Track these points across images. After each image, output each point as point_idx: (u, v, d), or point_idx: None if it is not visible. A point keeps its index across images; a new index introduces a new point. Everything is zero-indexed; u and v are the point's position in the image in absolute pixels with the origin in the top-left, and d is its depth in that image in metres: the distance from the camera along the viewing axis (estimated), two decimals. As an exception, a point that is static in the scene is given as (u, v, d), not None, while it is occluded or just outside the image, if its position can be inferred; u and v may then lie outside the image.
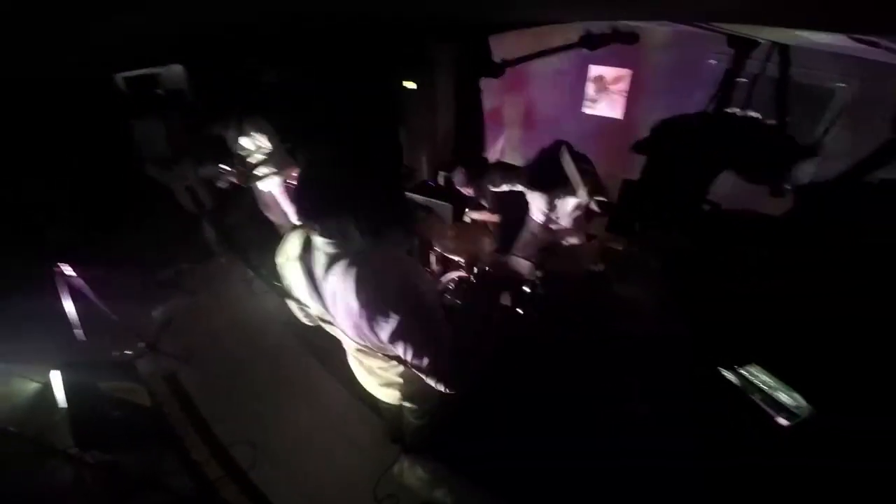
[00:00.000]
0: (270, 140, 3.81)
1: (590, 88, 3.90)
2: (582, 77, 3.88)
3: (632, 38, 3.45)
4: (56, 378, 2.37)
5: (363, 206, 1.14)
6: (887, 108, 2.59)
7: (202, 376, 3.17)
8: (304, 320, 1.60)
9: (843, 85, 2.71)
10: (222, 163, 3.88)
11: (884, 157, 2.69)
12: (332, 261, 1.20)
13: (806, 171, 3.09)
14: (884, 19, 1.47)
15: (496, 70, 4.31)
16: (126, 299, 3.36)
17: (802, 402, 2.14)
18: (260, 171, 3.89)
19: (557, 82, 4.08)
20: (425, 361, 1.22)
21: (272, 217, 4.37)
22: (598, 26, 3.48)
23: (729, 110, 3.30)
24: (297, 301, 1.41)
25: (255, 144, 3.79)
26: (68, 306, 2.94)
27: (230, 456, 2.61)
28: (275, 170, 3.95)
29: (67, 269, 2.94)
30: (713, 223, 3.63)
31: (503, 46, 4.25)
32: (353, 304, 1.16)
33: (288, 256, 1.35)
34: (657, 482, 2.23)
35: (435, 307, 1.25)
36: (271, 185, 4.06)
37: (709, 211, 3.65)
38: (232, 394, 3.06)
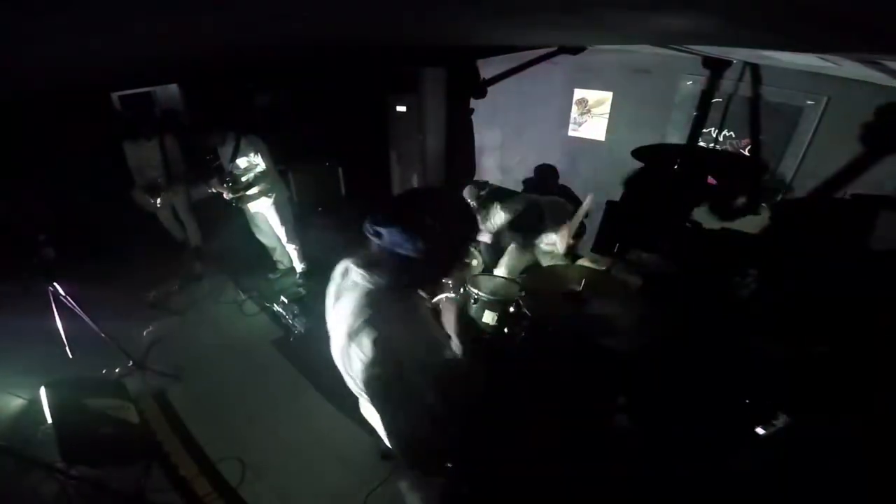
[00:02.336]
0: (265, 160, 3.87)
1: (574, 111, 4.03)
2: (568, 100, 4.01)
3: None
4: (44, 394, 2.37)
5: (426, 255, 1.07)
6: (853, 123, 2.71)
7: (191, 394, 3.16)
8: None
9: (812, 102, 2.84)
10: (216, 182, 3.91)
11: (853, 171, 2.80)
12: (361, 293, 1.17)
13: (779, 189, 3.19)
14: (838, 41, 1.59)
15: (483, 90, 4.46)
16: (115, 319, 3.37)
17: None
18: (252, 191, 3.94)
19: (545, 106, 4.22)
20: (387, 420, 1.18)
21: (264, 239, 4.40)
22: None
23: (705, 130, 3.43)
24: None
25: (249, 163, 3.84)
26: (58, 324, 2.96)
27: (219, 472, 2.59)
28: (267, 190, 3.99)
29: (59, 289, 2.97)
30: (692, 242, 3.73)
31: (490, 68, 4.42)
32: (352, 336, 1.14)
33: (333, 278, 1.33)
34: (640, 492, 2.25)
35: (425, 378, 1.14)
36: (263, 207, 4.10)
37: (688, 230, 3.75)
38: (221, 411, 3.05)
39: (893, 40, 1.24)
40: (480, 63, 4.41)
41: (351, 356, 1.15)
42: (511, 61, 4.20)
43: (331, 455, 2.74)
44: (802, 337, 2.46)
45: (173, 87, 5.59)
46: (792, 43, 1.88)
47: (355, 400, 2.94)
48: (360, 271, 1.17)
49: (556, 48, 3.87)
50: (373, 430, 1.65)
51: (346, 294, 1.21)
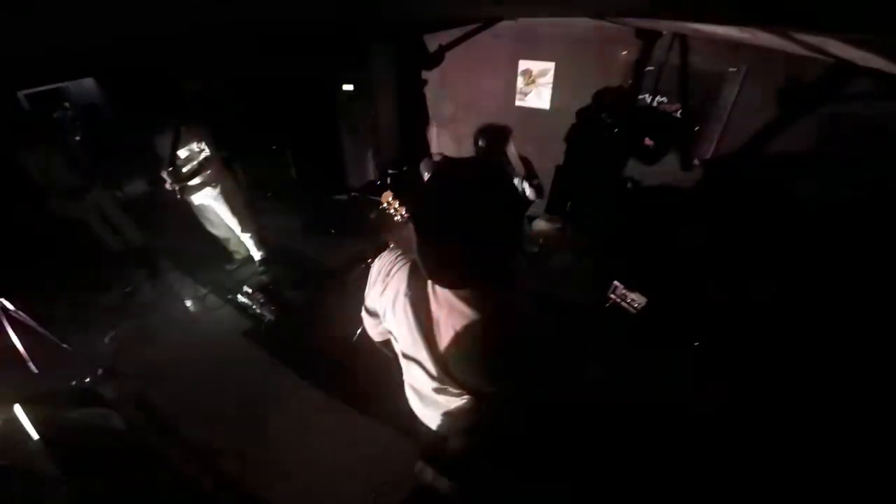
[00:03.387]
0: (209, 147, 3.72)
1: (520, 82, 4.18)
2: (513, 71, 4.15)
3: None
4: (20, 412, 2.29)
5: (502, 252, 0.99)
6: (770, 87, 3.06)
7: (171, 395, 3.11)
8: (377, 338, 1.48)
9: (734, 69, 3.16)
10: (153, 176, 3.72)
11: (771, 129, 3.17)
12: (453, 299, 1.07)
13: (708, 147, 3.54)
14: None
15: (432, 62, 4.48)
16: (72, 328, 3.23)
17: None
18: (196, 180, 3.79)
19: (493, 77, 4.34)
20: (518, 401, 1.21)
21: (216, 232, 4.26)
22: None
23: (640, 97, 3.71)
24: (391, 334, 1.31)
25: (191, 152, 3.67)
26: (14, 340, 2.81)
27: (221, 468, 2.62)
28: (212, 180, 3.85)
29: (7, 304, 2.81)
30: (635, 199, 4.06)
31: (438, 42, 4.45)
32: (471, 343, 1.08)
33: (395, 290, 1.22)
34: (612, 441, 2.50)
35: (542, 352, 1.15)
36: (208, 198, 3.95)
37: (630, 188, 4.08)
38: (205, 409, 3.03)
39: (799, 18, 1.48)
40: (428, 37, 4.43)
41: (470, 363, 1.13)
42: (458, 34, 4.26)
43: (325, 437, 2.83)
44: (740, 280, 2.81)
45: (88, 81, 5.17)
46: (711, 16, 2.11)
47: (341, 382, 3.03)
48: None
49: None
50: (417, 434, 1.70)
51: (446, 310, 1.10)
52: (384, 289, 1.26)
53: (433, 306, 1.12)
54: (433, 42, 4.43)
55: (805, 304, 2.67)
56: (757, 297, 2.73)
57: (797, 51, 2.52)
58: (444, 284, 1.04)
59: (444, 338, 1.12)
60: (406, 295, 1.17)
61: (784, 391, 2.45)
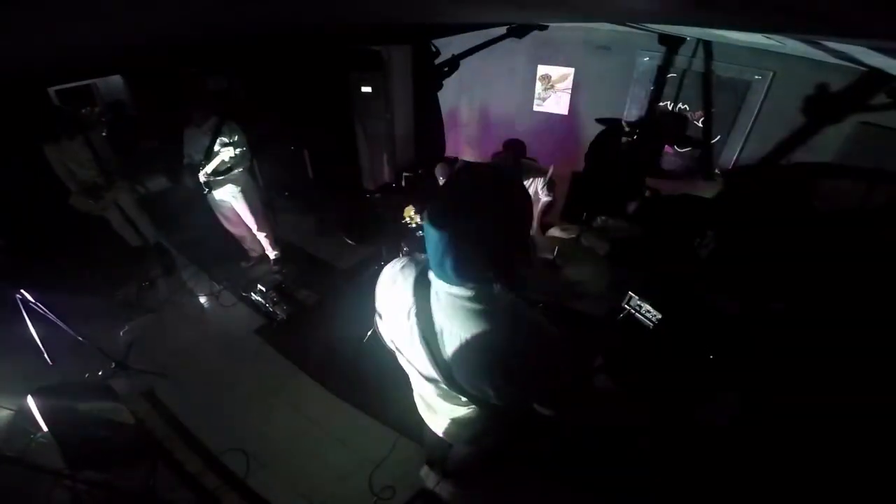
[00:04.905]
0: (242, 141, 3.75)
1: (538, 87, 4.14)
2: (531, 76, 4.11)
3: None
4: (32, 403, 2.33)
5: (509, 253, 1.00)
6: (797, 96, 2.97)
7: (181, 390, 3.14)
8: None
9: (759, 77, 3.07)
10: (181, 169, 3.76)
11: (796, 139, 3.08)
12: (458, 306, 1.05)
13: (730, 157, 3.45)
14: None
15: (449, 67, 4.48)
16: (88, 322, 3.28)
17: None
18: (221, 177, 3.82)
19: (510, 82, 4.31)
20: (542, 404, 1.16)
21: (233, 229, 4.30)
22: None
23: (661, 103, 3.64)
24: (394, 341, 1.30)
25: (221, 145, 3.70)
26: (32, 332, 2.87)
27: (224, 465, 2.63)
28: (235, 178, 3.89)
29: (27, 296, 2.86)
30: (653, 208, 3.98)
31: (455, 46, 4.44)
32: (477, 354, 1.06)
33: (399, 297, 1.20)
34: (624, 453, 2.47)
35: (554, 359, 1.09)
36: (229, 196, 3.98)
37: (648, 197, 4.00)
38: (214, 405, 3.06)
39: (830, 24, 1.42)
40: (445, 41, 4.43)
41: (472, 370, 1.10)
42: (476, 38, 4.24)
43: (330, 438, 2.83)
44: (758, 293, 2.72)
45: (116, 78, 5.30)
46: (739, 23, 2.05)
47: (349, 384, 3.03)
48: (447, 286, 1.05)
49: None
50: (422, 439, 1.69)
51: (450, 319, 1.08)
52: (388, 295, 1.25)
53: (437, 315, 1.10)
54: (451, 46, 4.43)
55: (824, 319, 2.57)
56: (773, 311, 2.64)
57: (825, 58, 2.44)
58: (445, 278, 1.03)
59: (448, 346, 1.10)
60: (411, 303, 1.16)
61: (798, 404, 2.37)
